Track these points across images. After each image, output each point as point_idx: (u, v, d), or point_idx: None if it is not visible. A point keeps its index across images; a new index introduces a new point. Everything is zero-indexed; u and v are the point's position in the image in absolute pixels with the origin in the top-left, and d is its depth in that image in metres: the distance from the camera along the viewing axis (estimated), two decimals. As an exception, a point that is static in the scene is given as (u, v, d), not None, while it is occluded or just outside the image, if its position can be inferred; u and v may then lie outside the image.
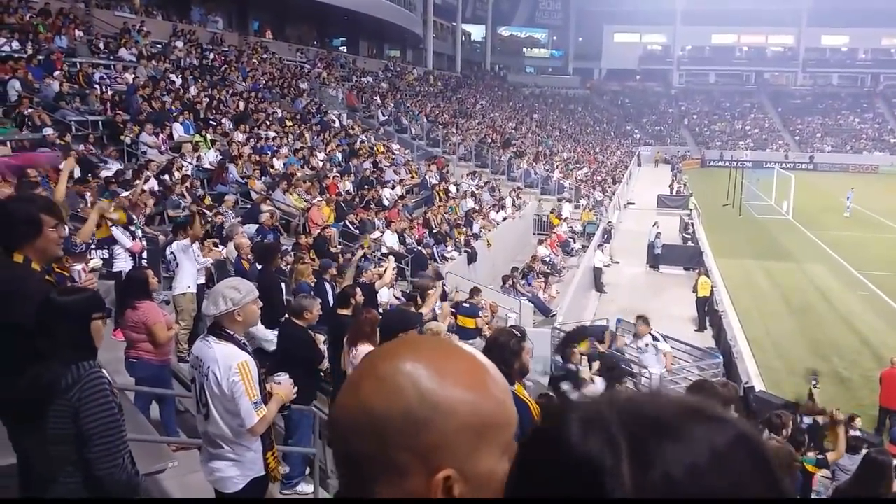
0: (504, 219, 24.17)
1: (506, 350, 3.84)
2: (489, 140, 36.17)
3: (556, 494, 0.63)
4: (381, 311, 11.17)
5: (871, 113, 71.23)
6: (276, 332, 7.11)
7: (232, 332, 3.87)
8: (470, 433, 0.84)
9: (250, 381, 3.77)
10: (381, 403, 0.83)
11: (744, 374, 13.85)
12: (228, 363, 3.76)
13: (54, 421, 2.80)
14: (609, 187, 37.72)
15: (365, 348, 5.84)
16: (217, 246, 10.67)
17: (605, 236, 26.16)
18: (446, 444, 0.83)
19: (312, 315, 6.48)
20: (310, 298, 6.82)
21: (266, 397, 4.02)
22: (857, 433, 9.83)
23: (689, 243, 26.78)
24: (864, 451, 6.80)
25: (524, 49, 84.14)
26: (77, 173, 11.26)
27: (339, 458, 0.87)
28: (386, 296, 12.62)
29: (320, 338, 7.72)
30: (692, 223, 29.79)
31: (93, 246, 8.08)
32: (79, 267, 5.16)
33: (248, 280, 4.79)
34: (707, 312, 18.32)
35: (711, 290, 18.54)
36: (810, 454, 6.99)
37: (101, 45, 20.74)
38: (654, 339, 11.71)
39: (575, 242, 25.66)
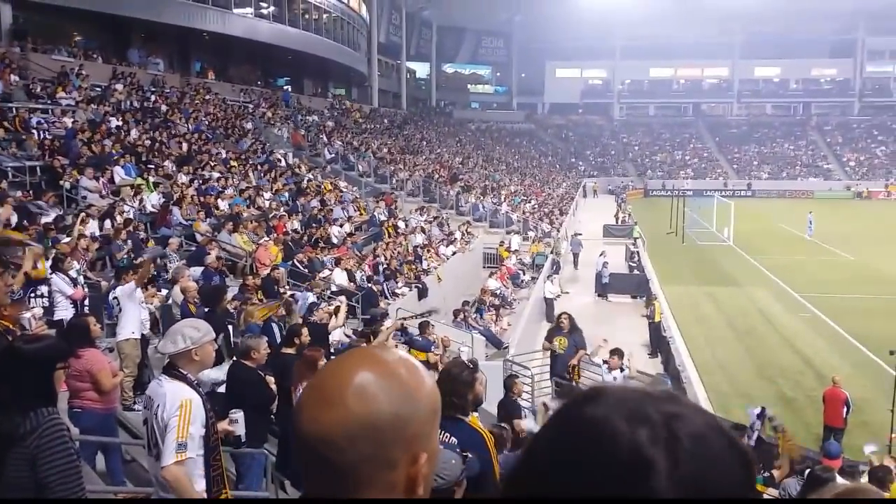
0: (454, 253, 24.28)
1: (458, 382, 3.87)
2: (437, 175, 36.44)
3: (595, 477, 0.69)
4: (332, 350, 11.13)
5: (804, 140, 73.95)
6: (223, 370, 7.00)
7: (185, 373, 3.83)
8: (432, 417, 0.98)
9: (186, 420, 3.67)
10: (372, 409, 0.92)
11: (692, 398, 14.04)
12: (175, 399, 3.71)
13: (12, 468, 2.74)
14: (556, 219, 38.26)
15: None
16: (160, 291, 10.50)
17: (554, 267, 26.46)
18: (422, 432, 0.96)
19: (260, 355, 6.39)
20: (256, 338, 6.73)
21: (215, 441, 3.92)
22: (809, 453, 10.06)
23: (636, 271, 27.25)
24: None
25: (469, 85, 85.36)
26: (13, 220, 11.01)
27: (334, 469, 0.91)
28: (337, 335, 12.54)
29: (271, 379, 7.63)
30: (637, 252, 30.33)
31: (31, 293, 7.88)
32: (28, 315, 5.06)
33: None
34: (655, 338, 18.66)
35: (659, 315, 18.91)
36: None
37: (38, 90, 20.38)
38: (622, 370, 11.91)
39: (525, 274, 25.88)
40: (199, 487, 3.80)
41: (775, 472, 7.45)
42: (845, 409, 12.45)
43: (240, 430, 4.85)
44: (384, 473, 0.92)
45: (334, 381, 0.96)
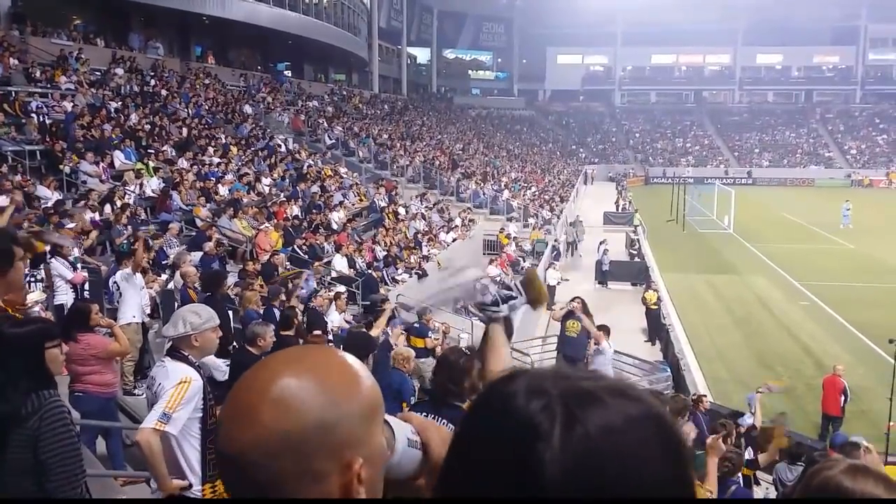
0: (454, 240, 24.26)
1: (455, 369, 3.86)
2: (437, 162, 36.37)
3: (495, 448, 0.71)
4: (331, 336, 11.17)
5: (805, 128, 73.78)
6: (226, 361, 7.00)
7: (187, 355, 3.86)
8: (364, 420, 0.91)
9: (180, 395, 3.68)
10: (291, 422, 0.85)
11: (692, 385, 14.12)
12: (176, 375, 3.75)
13: (13, 450, 2.75)
14: (556, 206, 38.22)
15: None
16: (160, 276, 10.50)
17: (555, 254, 26.47)
18: (353, 437, 0.89)
19: (266, 342, 6.39)
20: (263, 325, 6.73)
21: (213, 424, 3.88)
22: (806, 441, 10.11)
23: (636, 259, 27.27)
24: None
25: (469, 71, 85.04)
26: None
27: (255, 485, 0.86)
28: (337, 320, 12.57)
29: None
30: (638, 239, 30.33)
31: (30, 278, 7.89)
32: (36, 305, 5.07)
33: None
34: (654, 326, 18.70)
35: (658, 304, 18.93)
36: (747, 456, 7.22)
37: (38, 73, 20.30)
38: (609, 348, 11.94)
39: (525, 261, 25.87)
40: (195, 468, 3.81)
41: (761, 457, 7.54)
42: (843, 399, 12.49)
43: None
44: (312, 487, 0.86)
45: (249, 395, 0.89)
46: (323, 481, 0.86)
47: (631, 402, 0.72)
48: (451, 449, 0.79)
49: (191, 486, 3.73)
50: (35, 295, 7.01)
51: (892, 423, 11.21)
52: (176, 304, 9.15)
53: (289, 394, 0.86)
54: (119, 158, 16.89)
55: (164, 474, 3.67)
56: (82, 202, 13.19)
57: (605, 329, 12.00)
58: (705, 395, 12.12)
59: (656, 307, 18.82)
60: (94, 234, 11.93)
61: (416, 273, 18.84)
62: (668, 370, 14.82)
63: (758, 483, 8.33)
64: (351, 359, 0.96)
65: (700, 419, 9.35)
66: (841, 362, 13.93)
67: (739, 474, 5.99)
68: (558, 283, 22.73)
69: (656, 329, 18.57)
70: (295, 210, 19.03)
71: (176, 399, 3.66)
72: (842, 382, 12.60)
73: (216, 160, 20.05)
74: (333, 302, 12.83)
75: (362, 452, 0.89)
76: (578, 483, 0.67)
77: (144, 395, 4.43)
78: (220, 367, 7.29)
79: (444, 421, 3.55)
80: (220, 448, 0.89)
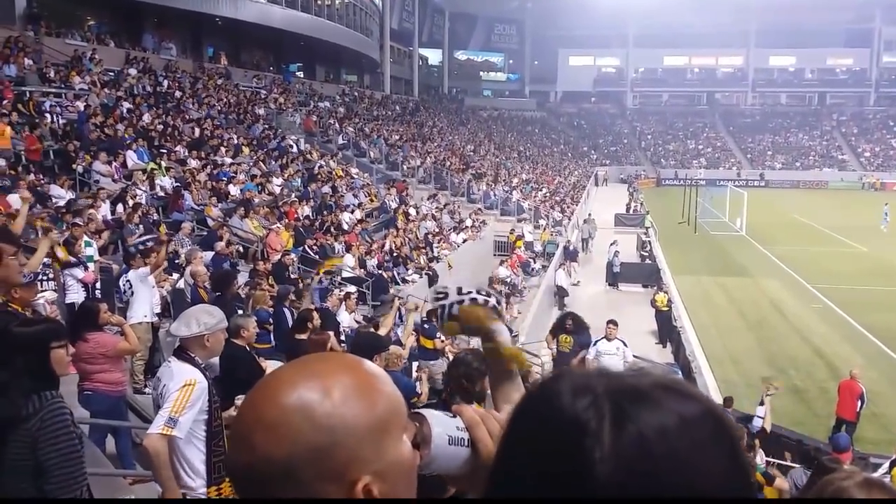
0: (464, 240, 24.25)
1: (471, 369, 3.89)
2: (448, 163, 36.37)
3: (543, 449, 0.69)
4: (342, 336, 11.17)
5: (818, 130, 73.35)
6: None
7: (193, 356, 3.85)
8: (372, 436, 0.86)
9: (186, 398, 3.66)
10: (283, 450, 0.82)
11: (703, 388, 14.03)
12: (181, 377, 3.73)
13: (13, 451, 2.74)
14: (567, 207, 38.14)
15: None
16: (171, 275, 10.53)
17: (567, 255, 26.44)
18: (355, 457, 0.85)
19: (250, 333, 6.37)
20: (245, 317, 6.71)
21: (217, 426, 3.89)
22: (819, 445, 10.04)
23: (647, 261, 27.17)
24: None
25: (481, 73, 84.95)
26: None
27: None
28: (347, 321, 12.57)
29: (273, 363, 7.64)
30: (649, 241, 30.24)
31: (41, 277, 7.92)
32: (42, 300, 5.08)
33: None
34: (665, 328, 18.61)
35: (669, 306, 18.84)
36: (759, 462, 7.16)
37: (52, 74, 20.43)
38: (624, 344, 11.80)
39: (535, 262, 25.84)
40: (199, 471, 3.80)
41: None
42: (859, 404, 12.23)
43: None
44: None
45: (247, 417, 0.87)
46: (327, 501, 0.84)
47: (684, 400, 0.70)
48: (500, 450, 0.78)
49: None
50: (47, 293, 7.04)
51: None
52: (186, 303, 9.18)
53: (282, 420, 0.84)
54: (132, 158, 16.98)
55: (169, 478, 3.66)
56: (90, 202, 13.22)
57: (614, 322, 11.87)
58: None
59: (667, 309, 18.74)
60: (106, 233, 11.98)
61: (426, 274, 18.83)
62: (679, 373, 14.74)
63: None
64: (365, 371, 0.91)
65: None
66: (847, 365, 13.80)
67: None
68: (577, 284, 22.67)
69: (667, 331, 18.49)
70: (306, 210, 19.07)
71: (181, 402, 3.64)
72: (859, 387, 12.32)
73: (228, 160, 20.12)
74: (343, 302, 12.83)
75: (371, 469, 0.85)
76: (632, 484, 0.65)
77: (151, 396, 4.43)
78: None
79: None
80: (225, 464, 0.88)
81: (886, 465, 8.98)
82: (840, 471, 1.54)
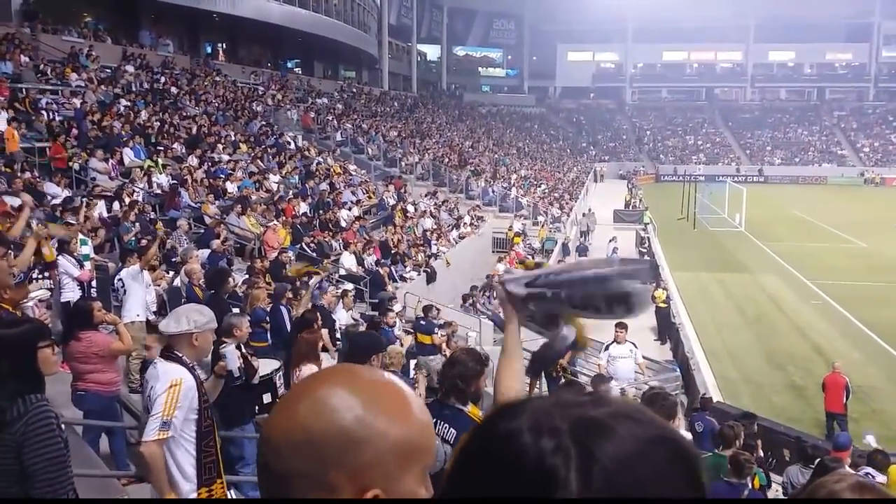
0: (462, 237, 24.20)
1: (466, 369, 3.85)
2: (446, 159, 36.31)
3: (506, 494, 0.67)
4: (339, 334, 11.15)
5: (818, 125, 73.28)
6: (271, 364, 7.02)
7: (181, 355, 3.80)
8: (398, 455, 0.89)
9: (174, 399, 3.62)
10: (319, 423, 0.87)
11: (701, 385, 14.01)
12: (167, 378, 3.68)
13: None
14: (566, 204, 38.10)
15: (308, 368, 5.80)
16: (168, 273, 10.49)
17: (565, 251, 26.39)
18: (377, 465, 0.87)
19: (242, 332, 6.34)
20: (238, 316, 6.67)
21: (207, 427, 3.85)
22: (816, 443, 10.02)
23: (646, 257, 27.11)
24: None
25: (480, 68, 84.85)
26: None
27: (270, 476, 0.88)
28: (344, 318, 12.54)
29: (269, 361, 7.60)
30: (648, 237, 30.20)
31: (33, 274, 7.88)
32: (32, 302, 5.05)
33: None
34: (664, 325, 18.57)
35: (667, 302, 18.80)
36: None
37: (48, 71, 20.36)
38: (634, 346, 11.75)
39: (534, 259, 25.78)
40: (188, 473, 3.76)
41: None
42: (845, 395, 12.49)
43: (231, 364, 4.86)
44: (322, 495, 0.86)
45: (299, 390, 0.94)
46: (335, 495, 0.86)
47: (640, 426, 0.70)
48: (448, 487, 0.75)
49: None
50: (39, 292, 6.99)
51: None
52: (182, 302, 9.13)
53: (329, 399, 0.89)
54: (128, 156, 16.92)
55: (165, 483, 3.65)
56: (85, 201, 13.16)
57: (623, 326, 11.74)
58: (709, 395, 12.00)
59: (665, 305, 18.68)
60: (102, 231, 11.93)
61: (424, 271, 18.80)
62: (678, 370, 14.72)
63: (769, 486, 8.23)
64: (411, 396, 0.96)
65: (707, 419, 9.28)
66: (840, 360, 13.86)
67: (749, 481, 5.89)
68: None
69: (666, 328, 18.44)
70: (304, 207, 19.01)
71: (170, 404, 3.61)
72: (843, 379, 12.61)
73: (225, 157, 20.05)
74: (341, 300, 12.79)
75: (384, 486, 0.87)
76: None
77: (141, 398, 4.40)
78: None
79: (445, 424, 3.51)
80: (264, 427, 0.94)
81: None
82: (833, 474, 1.51)
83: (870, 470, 6.47)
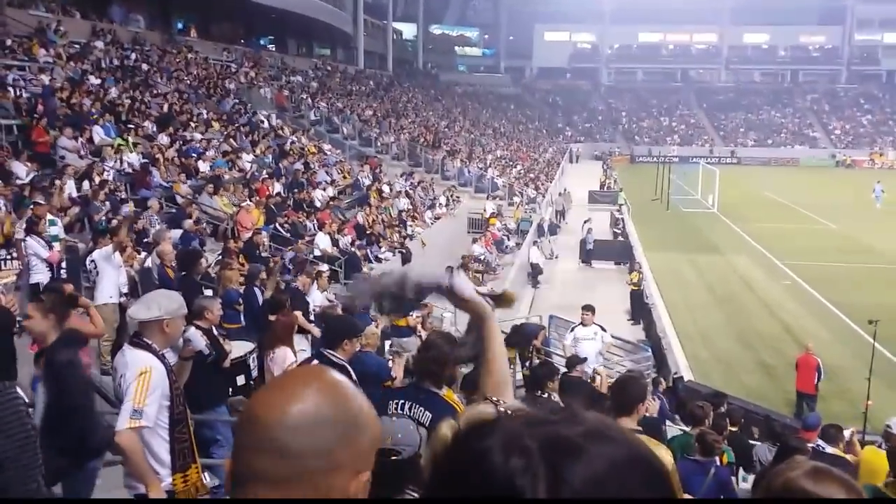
0: (438, 218, 24.17)
1: (441, 353, 3.83)
2: (422, 139, 36.16)
3: None
4: (313, 316, 11.10)
5: (791, 108, 74.02)
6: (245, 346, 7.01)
7: (150, 342, 3.76)
8: (374, 445, 1.00)
9: (145, 387, 3.59)
10: (338, 405, 0.95)
11: (673, 365, 14.21)
12: (136, 367, 3.65)
13: None
14: (542, 185, 38.18)
15: (282, 351, 5.78)
16: (140, 253, 10.36)
17: (539, 231, 26.46)
18: (369, 451, 0.98)
19: (213, 315, 6.30)
20: (209, 298, 6.64)
21: (179, 413, 3.83)
22: (785, 421, 10.19)
23: (620, 238, 27.33)
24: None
25: (456, 47, 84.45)
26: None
27: (284, 456, 0.92)
28: (319, 299, 12.48)
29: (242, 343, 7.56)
30: (622, 218, 30.40)
31: (6, 256, 7.75)
32: None
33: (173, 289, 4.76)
34: (636, 305, 18.77)
35: (639, 284, 19.00)
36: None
37: (15, 46, 19.89)
38: (602, 329, 11.86)
39: (509, 240, 25.86)
40: (163, 460, 3.74)
41: None
42: (817, 376, 12.70)
43: (198, 344, 4.90)
44: (328, 471, 0.93)
45: (306, 376, 1.03)
46: (337, 473, 0.93)
47: (611, 445, 0.69)
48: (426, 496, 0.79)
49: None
50: (5, 274, 6.87)
51: (870, 402, 11.34)
52: (154, 283, 9.03)
53: (342, 385, 0.99)
54: (98, 134, 16.59)
55: (146, 471, 3.61)
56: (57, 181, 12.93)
57: (590, 309, 11.90)
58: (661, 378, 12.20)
59: (637, 287, 18.87)
60: (72, 210, 11.74)
61: (399, 252, 18.76)
62: (650, 350, 14.90)
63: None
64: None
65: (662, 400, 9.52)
66: (812, 340, 14.09)
67: (717, 458, 5.99)
68: (556, 258, 22.63)
69: (639, 308, 18.64)
70: (277, 187, 18.84)
71: (142, 392, 3.57)
72: (816, 360, 12.83)
73: (197, 136, 19.77)
74: (315, 281, 12.72)
75: (368, 470, 0.98)
76: None
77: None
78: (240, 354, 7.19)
79: (420, 408, 3.50)
80: (256, 413, 0.94)
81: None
82: (790, 461, 1.53)
83: (820, 442, 6.64)
